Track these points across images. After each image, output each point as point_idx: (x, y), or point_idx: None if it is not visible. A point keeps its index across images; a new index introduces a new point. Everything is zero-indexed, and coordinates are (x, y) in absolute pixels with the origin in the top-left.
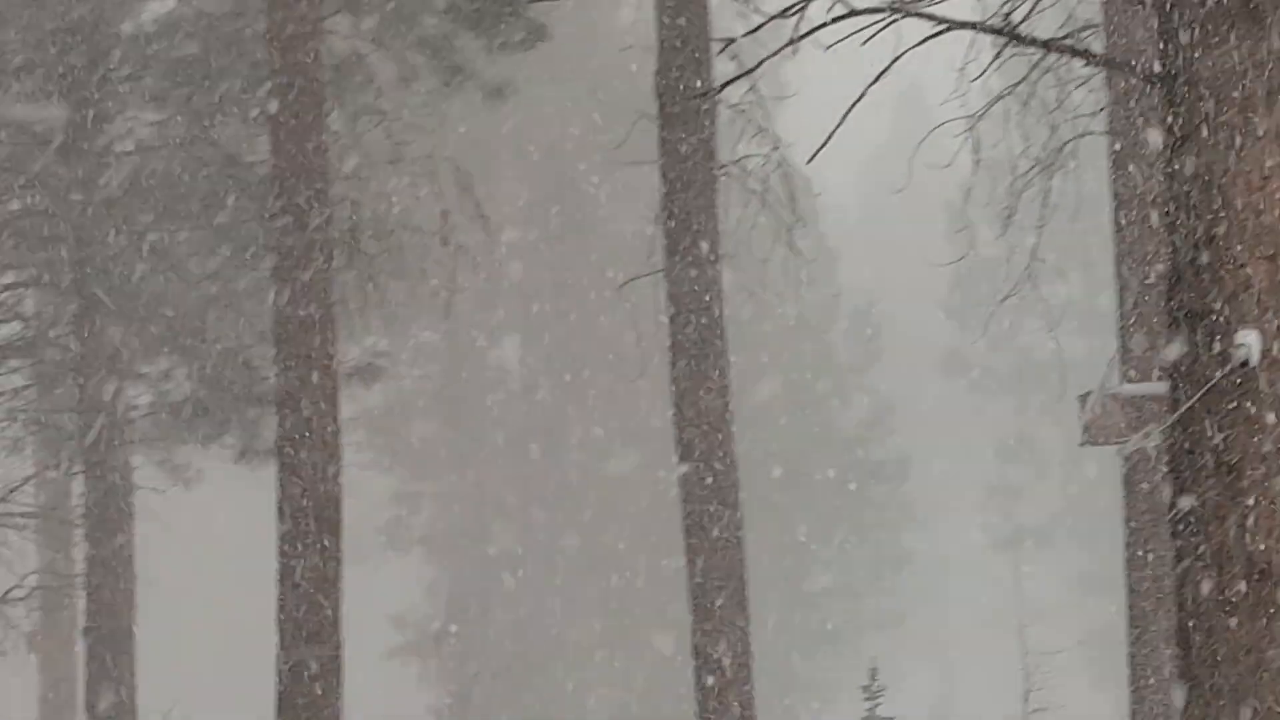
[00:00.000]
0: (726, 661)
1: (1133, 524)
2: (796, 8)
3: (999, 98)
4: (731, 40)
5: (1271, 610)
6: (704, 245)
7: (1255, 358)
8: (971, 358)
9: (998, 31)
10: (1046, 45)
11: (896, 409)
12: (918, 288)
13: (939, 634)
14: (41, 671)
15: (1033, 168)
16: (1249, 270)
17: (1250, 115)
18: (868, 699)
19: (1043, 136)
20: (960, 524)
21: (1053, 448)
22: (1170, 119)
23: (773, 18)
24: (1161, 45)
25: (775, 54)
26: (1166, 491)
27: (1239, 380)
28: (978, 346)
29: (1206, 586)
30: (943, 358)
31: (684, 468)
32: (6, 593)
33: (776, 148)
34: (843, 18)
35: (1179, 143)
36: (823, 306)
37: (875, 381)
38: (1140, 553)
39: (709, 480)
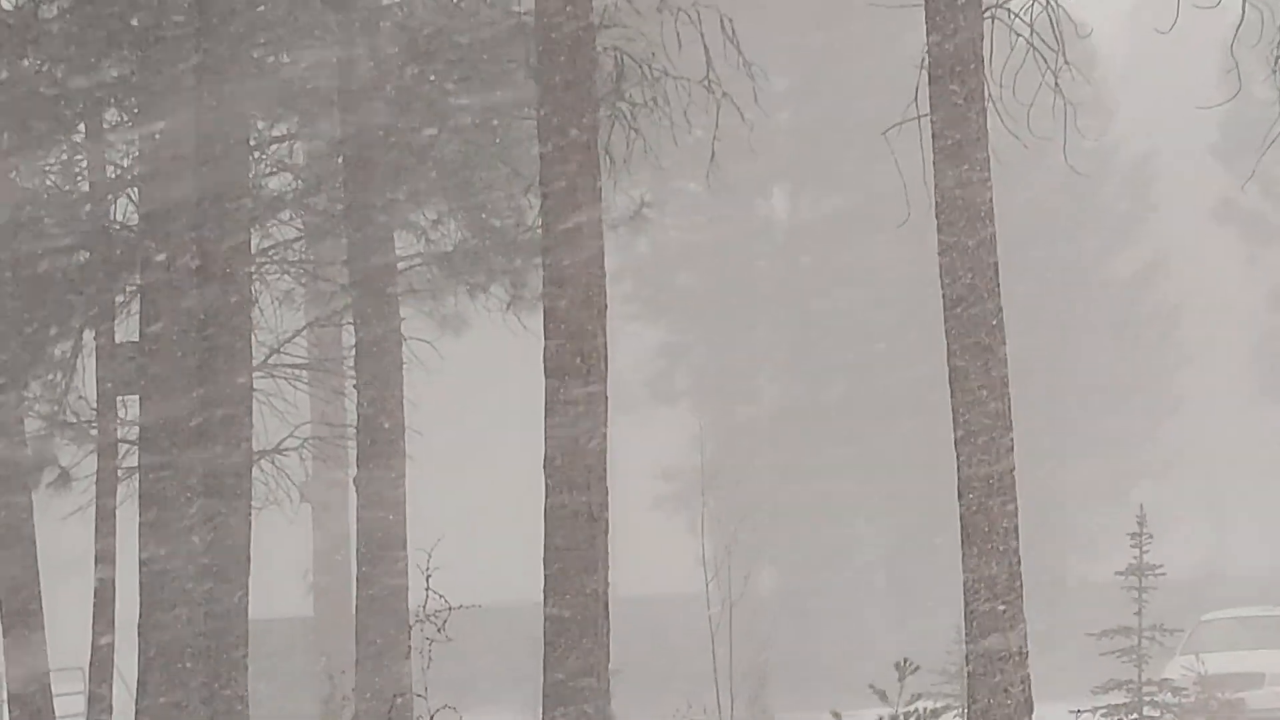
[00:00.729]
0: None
1: None
2: None
3: None
4: None
5: None
6: (968, 89)
7: None
8: (1243, 204)
9: None
10: None
11: (1168, 257)
12: (1188, 132)
13: (1209, 483)
14: (315, 519)
15: None
16: None
17: None
18: (1135, 546)
19: None
20: (1232, 372)
21: None
22: None
23: None
24: None
25: None
26: None
27: None
28: (1251, 194)
29: None
30: (1214, 205)
31: (950, 313)
32: (280, 443)
33: None
34: None
35: None
36: (1096, 156)
37: (1148, 230)
38: None
39: (973, 323)
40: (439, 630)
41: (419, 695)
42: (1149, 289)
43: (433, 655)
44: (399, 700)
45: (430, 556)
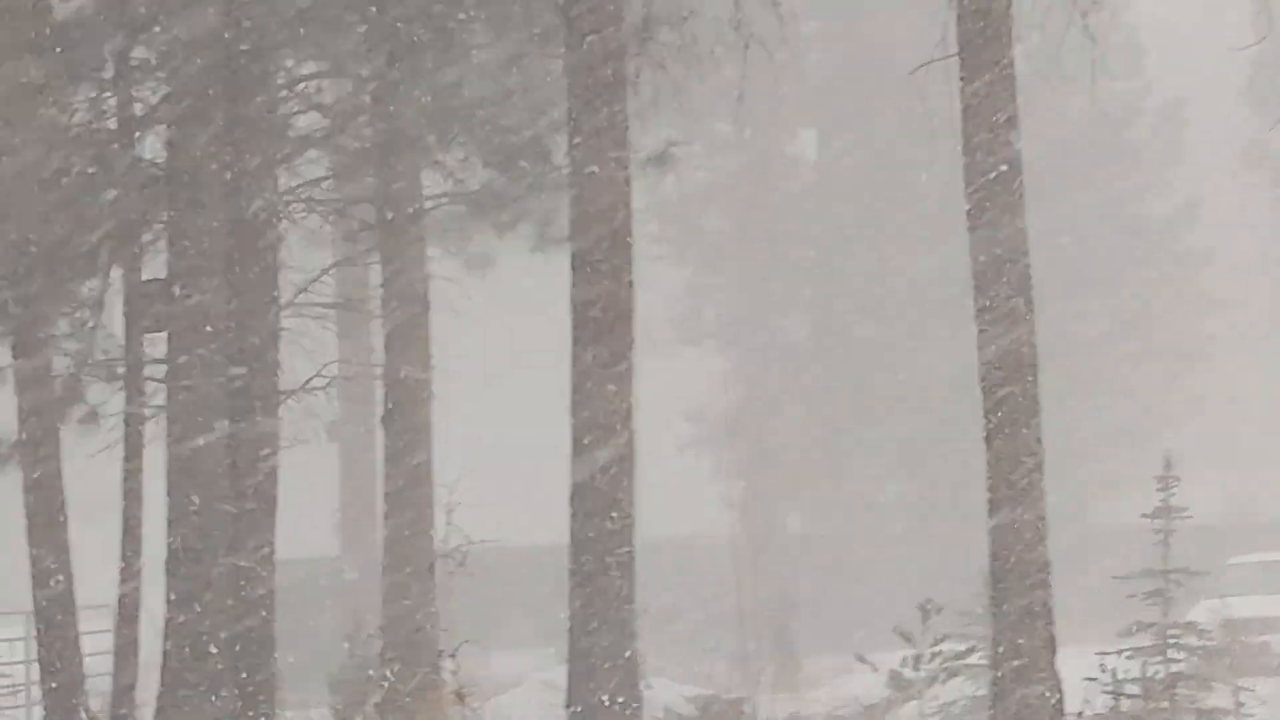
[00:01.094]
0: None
1: None
2: None
3: None
4: None
5: None
6: (997, 29)
7: None
8: (1274, 147)
9: None
10: None
11: (1198, 201)
12: (1220, 75)
13: (1235, 427)
14: (342, 458)
15: None
16: None
17: None
18: (1161, 489)
19: None
20: (1259, 317)
21: None
22: None
23: None
24: None
25: None
26: None
27: None
28: None
29: None
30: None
31: (975, 251)
32: (307, 382)
33: None
34: None
35: None
36: (1127, 99)
37: (1178, 174)
38: None
39: (999, 263)
40: (460, 564)
41: (443, 630)
42: (1178, 233)
43: (457, 592)
44: (418, 633)
45: (451, 492)
